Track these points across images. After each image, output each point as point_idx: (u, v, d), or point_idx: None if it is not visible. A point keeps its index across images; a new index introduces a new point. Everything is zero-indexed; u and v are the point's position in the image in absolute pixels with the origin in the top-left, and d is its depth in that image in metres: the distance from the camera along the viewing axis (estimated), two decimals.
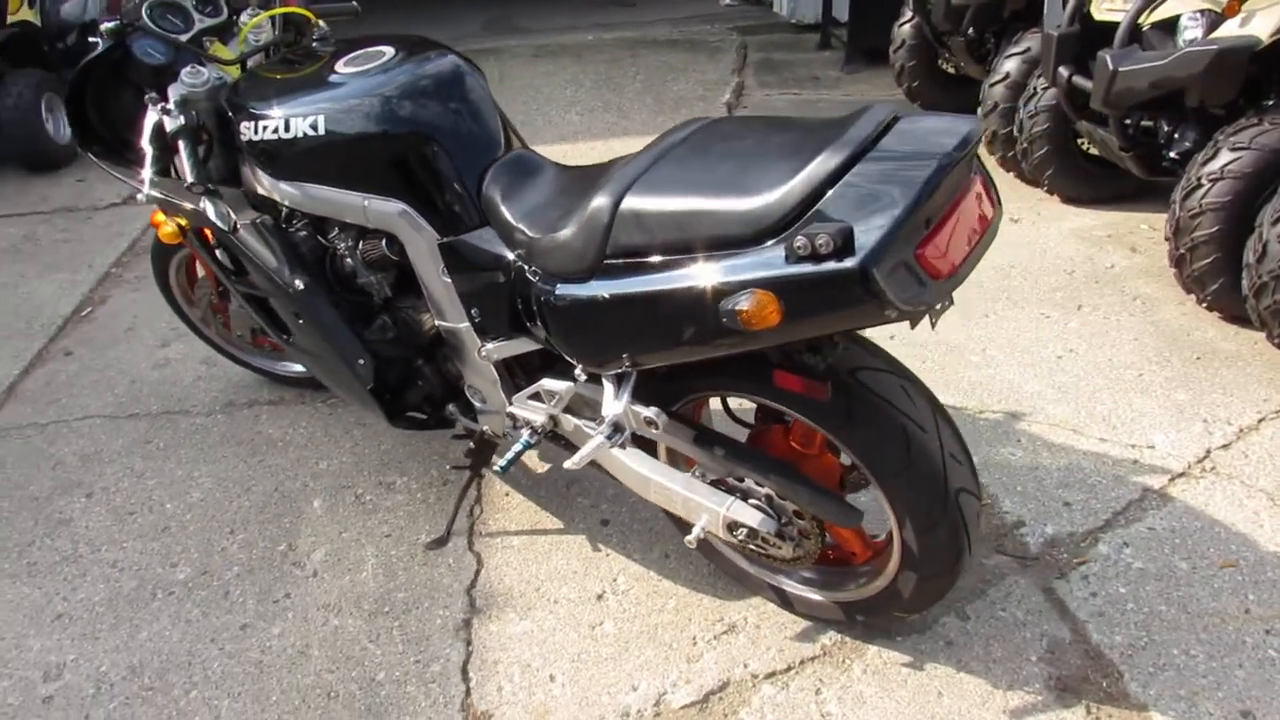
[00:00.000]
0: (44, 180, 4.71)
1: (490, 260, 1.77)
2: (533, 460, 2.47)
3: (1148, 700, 1.75)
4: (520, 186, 1.77)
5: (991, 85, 3.82)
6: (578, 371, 1.74)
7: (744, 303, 1.35)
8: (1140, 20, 2.98)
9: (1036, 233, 3.53)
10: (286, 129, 1.83)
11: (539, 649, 1.95)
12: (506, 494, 2.38)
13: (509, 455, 1.89)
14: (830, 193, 1.32)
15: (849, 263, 1.27)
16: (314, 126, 1.80)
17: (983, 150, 4.00)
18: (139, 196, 1.99)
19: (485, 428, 2.08)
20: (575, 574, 2.13)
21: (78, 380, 3.00)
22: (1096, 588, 2.01)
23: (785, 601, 1.97)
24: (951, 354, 2.81)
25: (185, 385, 2.93)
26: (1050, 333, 2.89)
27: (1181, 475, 2.30)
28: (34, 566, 2.25)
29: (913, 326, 1.47)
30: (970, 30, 4.06)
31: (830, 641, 1.93)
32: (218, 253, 2.14)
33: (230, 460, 2.57)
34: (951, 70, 4.57)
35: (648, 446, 1.88)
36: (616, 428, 1.72)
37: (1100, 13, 3.17)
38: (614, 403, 1.69)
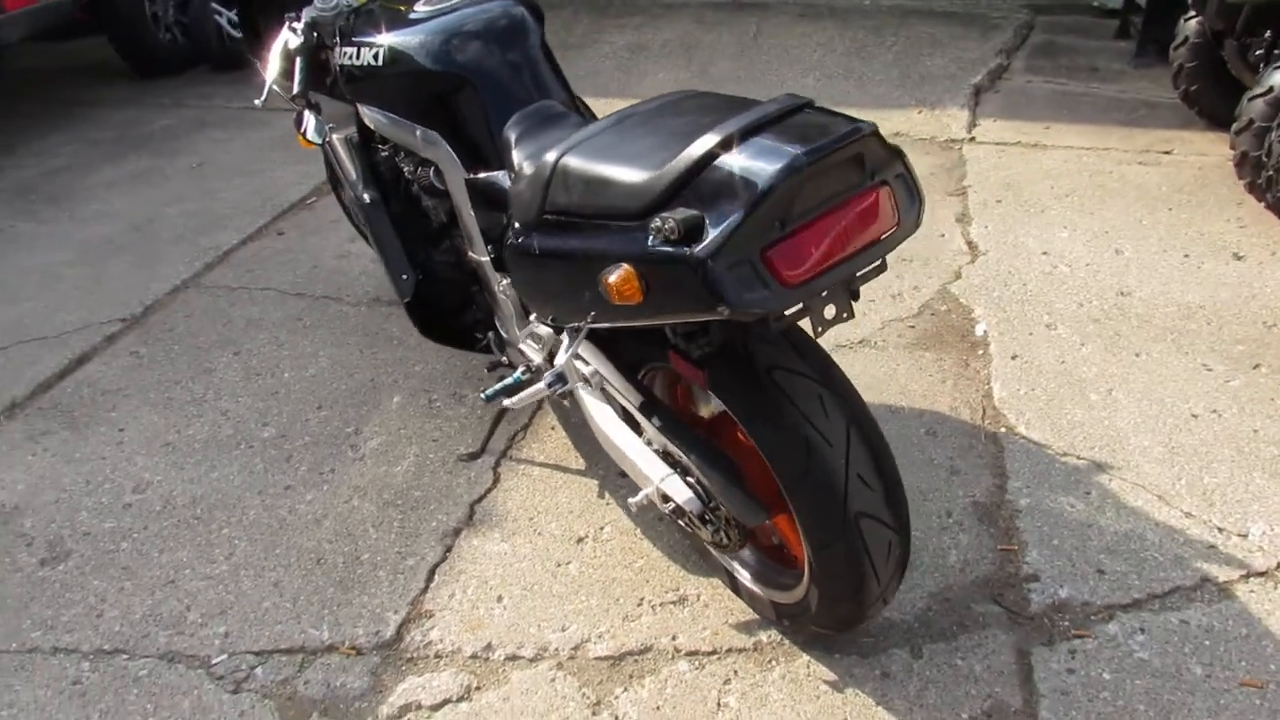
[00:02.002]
0: None
1: (502, 201, 1.87)
2: None
3: None
4: (531, 134, 1.85)
5: (1251, 99, 3.30)
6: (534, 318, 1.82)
7: (613, 275, 1.36)
8: None
9: (1257, 273, 3.05)
10: (358, 57, 2.02)
11: (502, 571, 2.08)
12: (552, 428, 2.51)
13: (495, 386, 2.01)
14: (702, 175, 1.30)
15: (690, 252, 1.25)
16: (376, 57, 1.98)
17: (1231, 173, 3.49)
18: (255, 102, 2.28)
19: (504, 359, 2.21)
20: (570, 513, 2.23)
21: (275, 257, 3.47)
22: (1079, 666, 1.80)
23: (734, 586, 1.95)
24: (1070, 386, 2.55)
25: (350, 277, 3.31)
26: (1200, 388, 2.53)
27: (1260, 575, 1.97)
28: (169, 401, 2.69)
29: (816, 335, 1.41)
30: (1244, 33, 3.51)
31: (767, 639, 1.89)
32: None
33: (350, 347, 2.89)
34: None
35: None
36: (560, 378, 1.78)
37: None
38: (561, 354, 1.75)
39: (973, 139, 4.14)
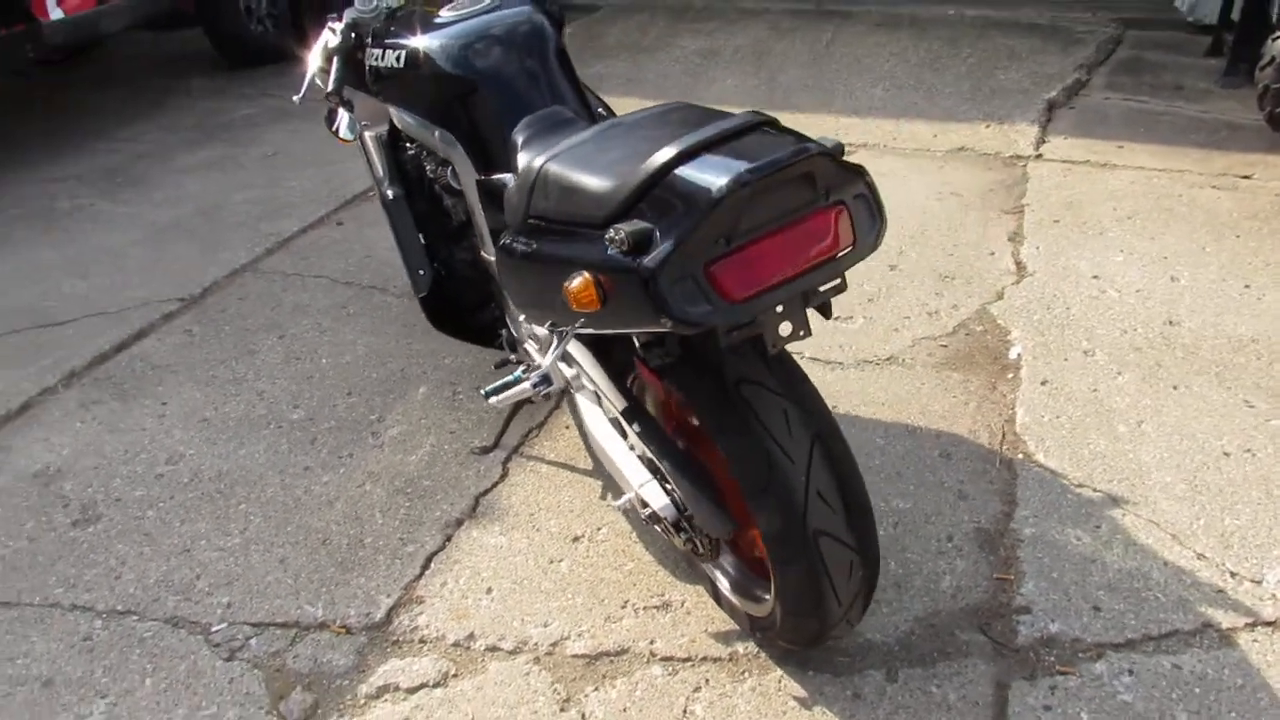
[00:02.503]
0: None
1: None
2: None
3: None
4: (536, 139, 1.89)
5: None
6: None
7: (573, 282, 1.39)
8: None
9: None
10: (385, 58, 2.09)
11: (495, 564, 2.13)
12: (566, 427, 2.55)
13: (496, 383, 2.06)
14: (657, 188, 1.32)
15: (636, 264, 1.27)
16: (399, 59, 2.05)
17: None
18: (294, 99, 2.38)
19: (514, 357, 2.26)
20: (570, 512, 2.26)
21: (332, 246, 3.60)
22: (1057, 703, 1.76)
23: (715, 596, 1.96)
24: (1098, 416, 2.47)
25: (398, 268, 3.36)
26: (1237, 424, 2.43)
27: (1268, 624, 1.89)
28: (212, 379, 2.82)
29: (770, 351, 1.42)
30: None
31: (743, 650, 1.90)
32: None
33: (387, 336, 2.99)
34: None
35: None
36: (545, 379, 1.82)
37: None
38: (548, 355, 1.79)
39: (1039, 156, 4.03)
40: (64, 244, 3.68)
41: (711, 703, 1.80)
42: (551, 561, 2.13)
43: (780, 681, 1.83)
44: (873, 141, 4.26)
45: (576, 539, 2.19)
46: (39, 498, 2.38)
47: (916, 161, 4.03)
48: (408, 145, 2.31)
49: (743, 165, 1.25)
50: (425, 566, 2.13)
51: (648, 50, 5.53)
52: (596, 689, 1.84)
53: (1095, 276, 3.11)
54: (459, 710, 1.81)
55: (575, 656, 1.91)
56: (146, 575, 2.14)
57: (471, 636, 1.96)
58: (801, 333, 1.41)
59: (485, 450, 2.45)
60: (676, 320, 1.26)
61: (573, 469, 2.40)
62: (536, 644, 1.94)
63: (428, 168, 2.24)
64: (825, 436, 1.54)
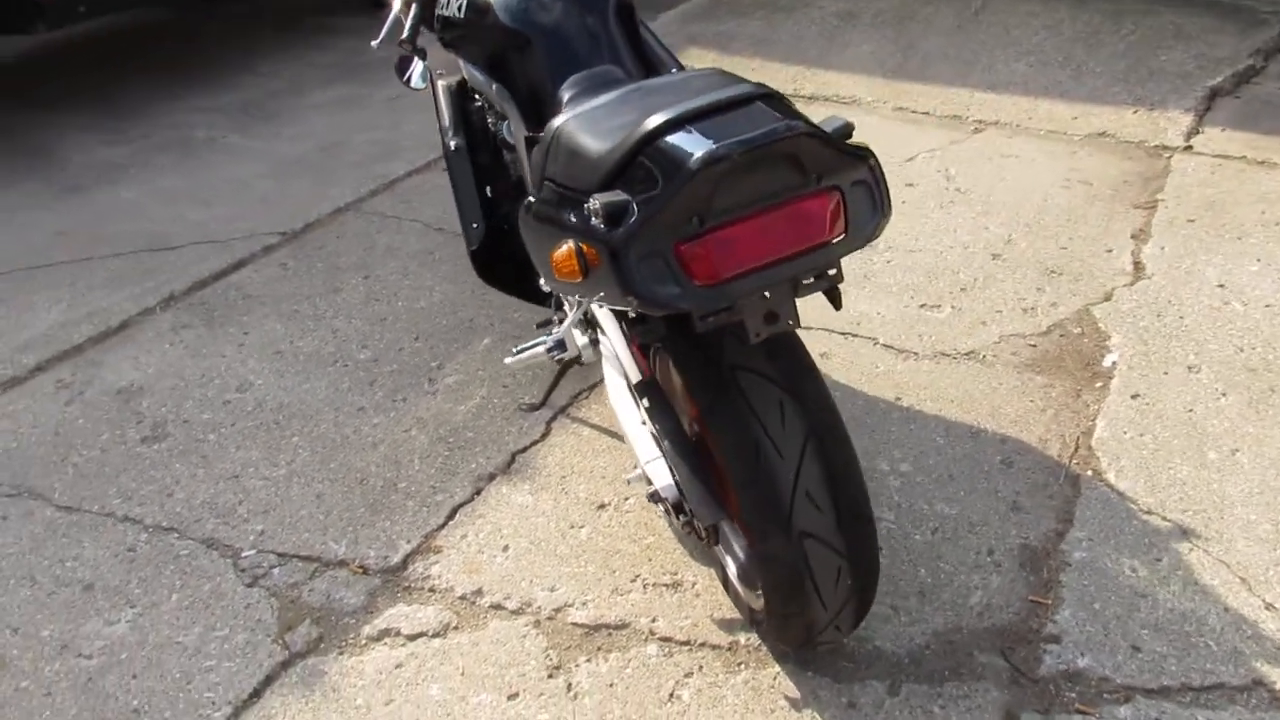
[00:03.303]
0: None
1: None
2: None
3: None
4: (578, 99, 1.84)
5: None
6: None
7: (558, 250, 1.35)
8: None
9: None
10: (448, 6, 2.08)
11: (518, 522, 2.13)
12: None
13: (522, 345, 2.04)
14: (639, 158, 1.25)
15: (607, 237, 1.22)
16: (461, 9, 2.03)
17: None
18: (372, 44, 2.40)
19: (555, 317, 2.24)
20: (601, 479, 2.24)
21: (434, 191, 3.66)
22: None
23: (724, 581, 1.90)
24: (1188, 439, 2.26)
25: None
26: None
27: None
28: (295, 313, 2.93)
29: (753, 340, 1.34)
30: None
31: (744, 641, 1.84)
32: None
33: (464, 285, 3.01)
34: None
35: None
36: (560, 345, 1.79)
37: None
38: (567, 321, 1.76)
39: (1188, 148, 3.68)
40: (194, 173, 3.88)
41: (700, 690, 1.75)
42: (572, 526, 2.12)
43: (775, 679, 1.77)
44: (1005, 120, 3.99)
45: (602, 506, 2.17)
46: (118, 412, 2.54)
47: (1048, 144, 3.76)
48: (475, 97, 2.30)
49: (716, 142, 1.17)
50: (450, 517, 2.16)
51: (785, 9, 5.34)
52: (589, 660, 1.82)
53: (1221, 285, 2.83)
54: (451, 663, 1.83)
55: (575, 625, 1.90)
56: (195, 496, 2.25)
57: (479, 592, 1.97)
58: (790, 322, 1.33)
59: (533, 408, 2.45)
60: (641, 299, 1.21)
61: (614, 435, 2.37)
62: (540, 607, 1.93)
63: (489, 121, 2.23)
64: (823, 434, 1.45)
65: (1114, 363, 2.54)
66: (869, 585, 1.56)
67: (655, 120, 1.26)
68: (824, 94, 4.29)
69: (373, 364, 2.68)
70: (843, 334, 2.71)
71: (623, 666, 1.81)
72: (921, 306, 2.82)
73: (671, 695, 1.75)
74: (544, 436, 2.38)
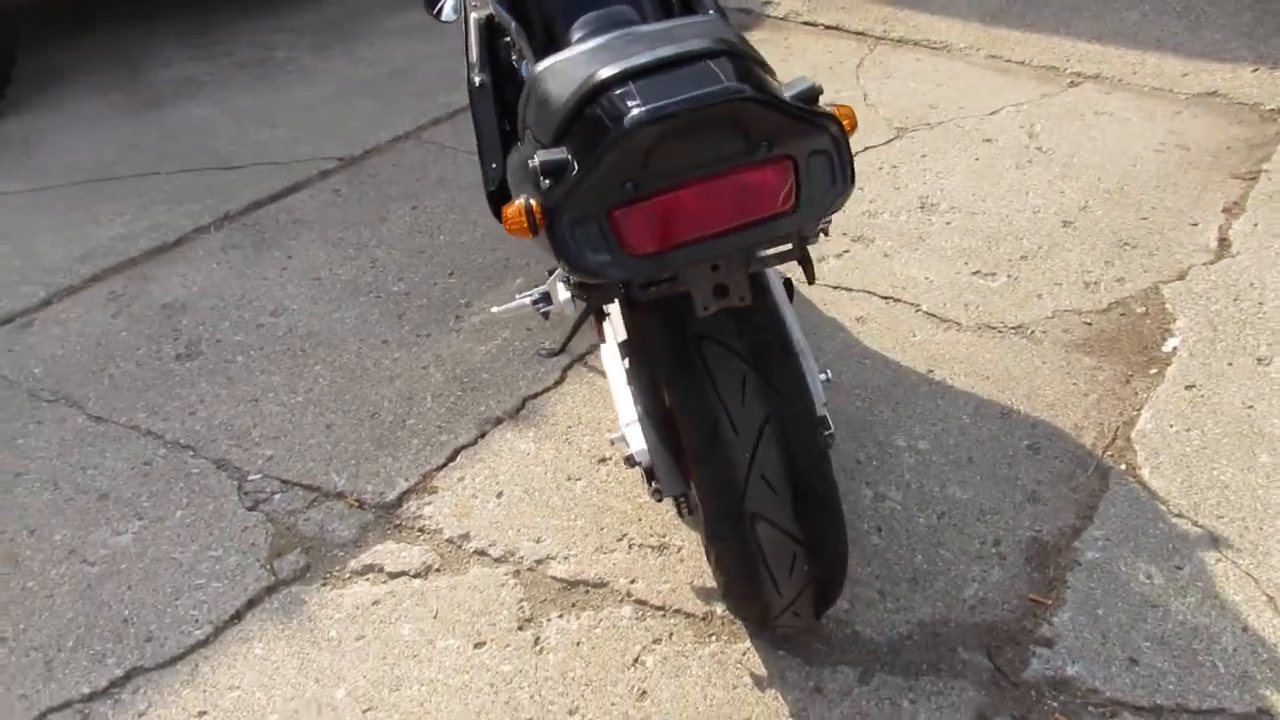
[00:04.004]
0: None
1: None
2: None
3: None
4: (583, 40, 1.75)
5: None
6: None
7: (510, 206, 1.29)
8: None
9: None
10: None
11: (516, 469, 2.12)
12: None
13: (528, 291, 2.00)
14: (584, 114, 1.18)
15: (543, 198, 1.16)
16: None
17: None
18: None
19: (548, 269, 2.18)
20: (606, 432, 2.20)
21: None
22: None
23: (706, 550, 1.85)
24: (1240, 438, 2.08)
25: None
26: None
27: None
28: (340, 240, 2.95)
29: (701, 314, 1.27)
30: None
31: (719, 613, 1.80)
32: None
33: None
34: None
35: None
36: (545, 297, 1.74)
37: None
38: (555, 273, 1.71)
39: None
40: (266, 93, 3.93)
41: (665, 658, 1.73)
42: (569, 478, 2.10)
43: (744, 654, 1.72)
44: (1107, 73, 3.70)
45: (602, 460, 2.13)
46: (158, 327, 2.61)
47: (1149, 103, 3.47)
48: (505, 35, 2.23)
49: (658, 101, 1.09)
50: (451, 459, 2.16)
51: None
52: (561, 615, 1.81)
53: None
54: (426, 604, 1.84)
55: (554, 579, 1.88)
56: (215, 416, 2.31)
57: (466, 536, 1.98)
58: (741, 298, 1.25)
59: (552, 353, 2.42)
60: (572, 266, 1.15)
61: None
62: (522, 558, 1.93)
63: (514, 58, 2.16)
64: (785, 416, 1.38)
65: (1175, 348, 2.36)
66: (833, 574, 1.49)
67: (602, 74, 1.18)
68: (912, 38, 4.05)
69: (404, 297, 2.68)
70: (884, 298, 2.59)
71: (593, 625, 1.79)
72: (975, 274, 2.66)
73: (636, 660, 1.73)
74: (557, 384, 2.35)
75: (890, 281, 2.64)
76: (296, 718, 1.66)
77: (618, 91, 1.16)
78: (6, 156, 3.49)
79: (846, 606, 1.79)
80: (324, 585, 1.89)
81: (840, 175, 1.17)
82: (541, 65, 1.44)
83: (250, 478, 2.13)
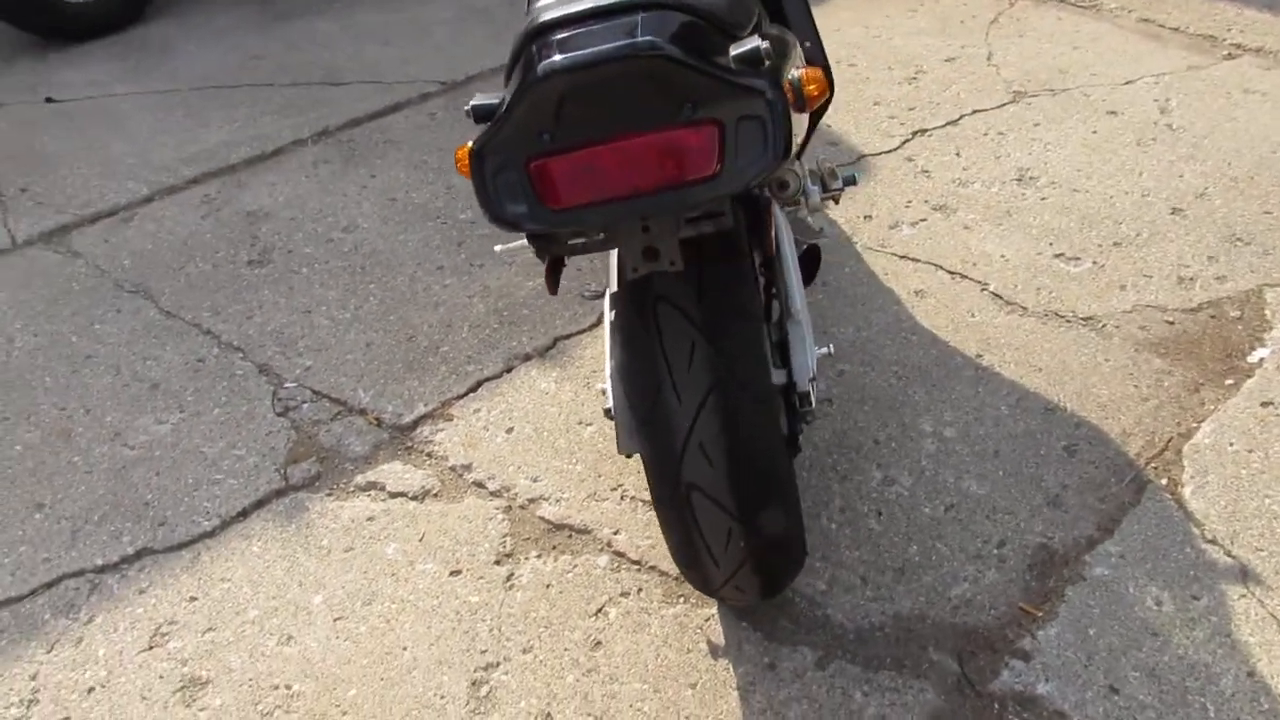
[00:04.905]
0: None
1: None
2: None
3: None
4: None
5: None
6: None
7: (461, 147, 1.28)
8: None
9: None
10: None
11: (531, 407, 2.14)
12: None
13: None
14: (519, 59, 1.15)
15: (474, 142, 1.14)
16: None
17: None
18: None
19: None
20: (598, 384, 2.19)
21: None
22: None
23: None
24: None
25: None
26: None
27: None
28: (423, 164, 3.02)
29: (631, 275, 1.24)
30: None
31: None
32: None
33: None
34: None
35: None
36: None
37: None
38: None
39: None
40: (389, 11, 4.02)
41: (628, 612, 1.73)
42: (580, 422, 2.10)
43: (707, 621, 1.70)
44: (1272, 47, 3.34)
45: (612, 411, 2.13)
46: (240, 232, 2.75)
47: None
48: None
49: (573, 51, 1.05)
50: (473, 389, 2.20)
51: None
52: (539, 556, 1.84)
53: None
54: (415, 527, 1.90)
55: (541, 519, 1.91)
56: (269, 323, 2.42)
57: (468, 466, 2.02)
58: (671, 263, 1.20)
59: (595, 295, 2.42)
60: (491, 215, 1.14)
61: None
62: (516, 494, 1.96)
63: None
64: (731, 387, 1.33)
65: (1262, 359, 2.14)
66: (778, 555, 1.45)
67: (540, 18, 1.14)
68: None
69: (468, 225, 2.73)
70: (951, 273, 2.45)
71: (567, 570, 1.81)
72: (1057, 256, 2.48)
73: (600, 610, 1.74)
74: (592, 326, 2.35)
75: (962, 256, 2.50)
76: (273, 615, 1.75)
77: (547, 39, 1.12)
78: (145, 61, 3.72)
79: (823, 587, 1.74)
80: (328, 495, 1.98)
81: (773, 144, 1.10)
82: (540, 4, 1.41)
83: (286, 385, 2.24)
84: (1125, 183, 2.72)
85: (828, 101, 2.20)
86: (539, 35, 1.14)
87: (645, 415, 1.36)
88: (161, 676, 1.66)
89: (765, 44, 1.12)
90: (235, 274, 2.60)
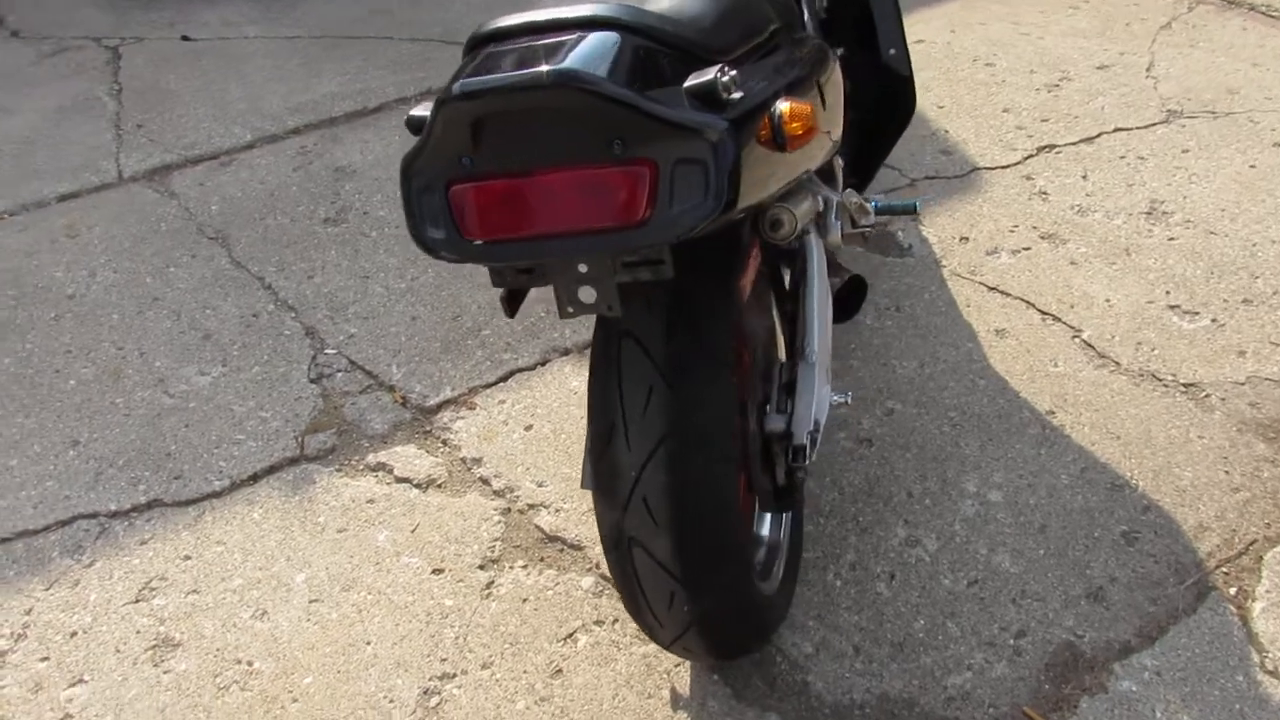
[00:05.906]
0: None
1: None
2: None
3: None
4: None
5: None
6: None
7: None
8: None
9: None
10: None
11: (555, 404, 2.07)
12: None
13: None
14: (464, 61, 1.05)
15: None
16: None
17: None
18: None
19: None
20: None
21: None
22: None
23: None
24: None
25: None
26: None
27: None
28: None
29: (562, 317, 1.13)
30: None
31: None
32: None
33: None
34: None
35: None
36: None
37: None
38: None
39: None
40: None
41: (597, 643, 1.64)
42: None
43: (676, 667, 1.60)
44: None
45: None
46: (324, 188, 2.78)
47: None
48: None
49: (492, 72, 0.94)
50: (503, 379, 2.14)
51: None
52: (525, 567, 1.77)
53: None
54: (411, 517, 1.87)
55: (536, 527, 1.84)
56: (326, 285, 2.43)
57: (479, 460, 1.97)
58: (609, 307, 1.08)
59: None
60: (413, 236, 1.05)
61: None
62: (518, 497, 1.89)
63: None
64: (686, 440, 1.20)
65: None
66: (730, 623, 1.32)
67: (483, 29, 1.04)
68: None
69: None
70: (1043, 312, 2.21)
71: (548, 586, 1.73)
72: (1172, 307, 2.20)
73: (570, 636, 1.66)
74: None
75: (1060, 295, 2.25)
76: (255, 587, 1.76)
77: (481, 51, 1.02)
78: (276, 5, 3.81)
79: (809, 650, 1.61)
80: (337, 471, 1.96)
81: (715, 191, 0.96)
82: None
83: (326, 350, 2.24)
84: (1276, 229, 2.39)
85: (905, 121, 2.00)
86: (480, 44, 1.04)
87: (597, 455, 1.26)
88: (139, 632, 1.69)
89: (726, 77, 0.97)
90: (310, 230, 2.62)
